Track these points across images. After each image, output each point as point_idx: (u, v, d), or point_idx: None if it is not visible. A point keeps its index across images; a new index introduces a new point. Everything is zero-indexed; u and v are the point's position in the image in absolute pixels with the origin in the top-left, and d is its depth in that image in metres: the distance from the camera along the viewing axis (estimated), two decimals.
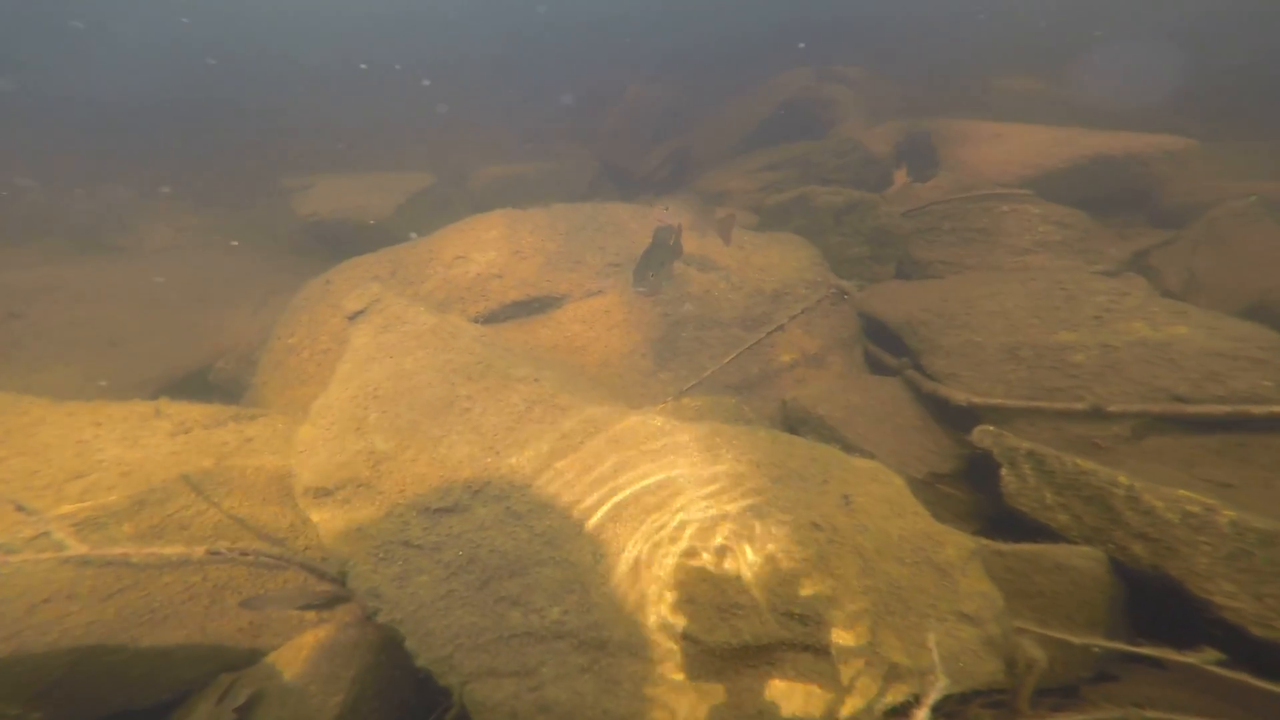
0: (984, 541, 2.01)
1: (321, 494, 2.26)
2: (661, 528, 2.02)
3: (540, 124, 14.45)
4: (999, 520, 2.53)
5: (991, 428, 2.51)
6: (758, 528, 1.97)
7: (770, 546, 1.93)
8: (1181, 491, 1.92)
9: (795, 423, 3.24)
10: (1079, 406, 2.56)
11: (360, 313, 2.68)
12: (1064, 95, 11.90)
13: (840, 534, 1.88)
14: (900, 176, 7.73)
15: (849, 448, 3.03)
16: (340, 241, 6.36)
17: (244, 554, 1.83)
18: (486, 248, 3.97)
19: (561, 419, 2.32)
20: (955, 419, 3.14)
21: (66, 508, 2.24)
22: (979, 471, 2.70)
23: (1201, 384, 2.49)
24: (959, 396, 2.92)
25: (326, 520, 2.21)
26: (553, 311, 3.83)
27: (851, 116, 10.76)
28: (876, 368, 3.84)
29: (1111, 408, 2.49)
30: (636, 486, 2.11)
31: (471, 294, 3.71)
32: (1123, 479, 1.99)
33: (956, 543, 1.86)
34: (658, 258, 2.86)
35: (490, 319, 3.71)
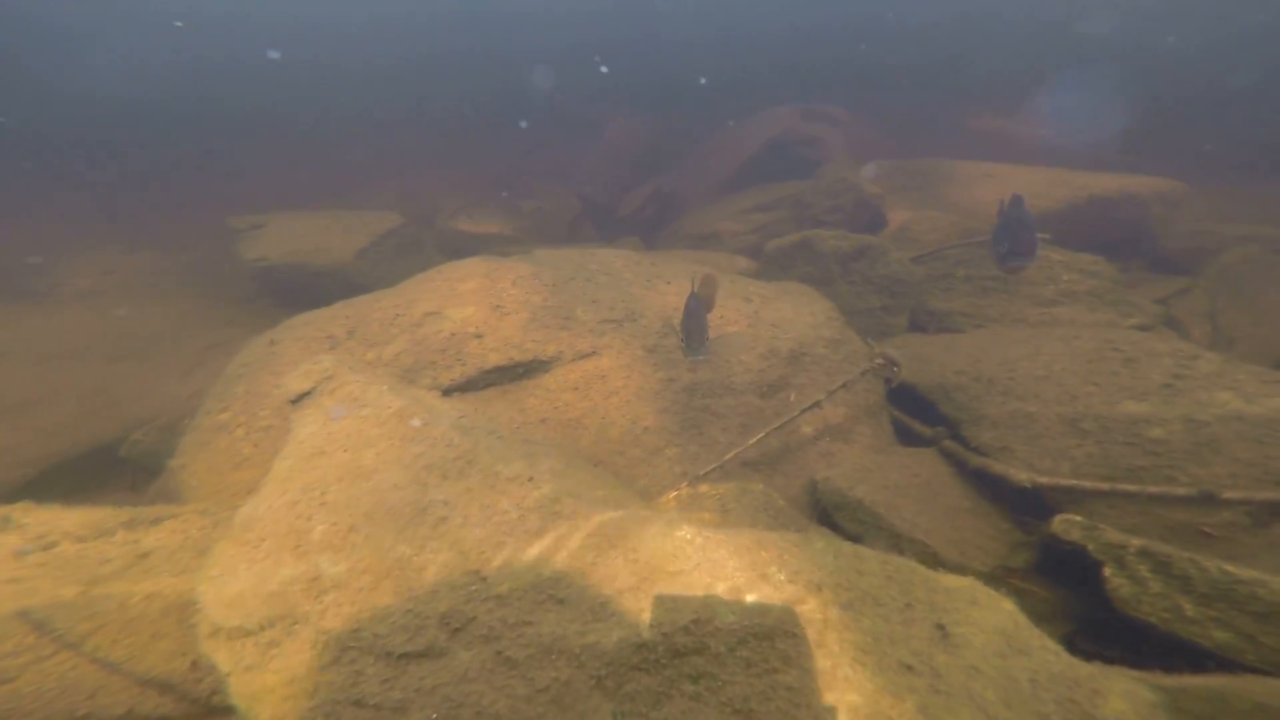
0: (1139, 675, 1.66)
1: (238, 635, 1.80)
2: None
3: (517, 163, 14.53)
4: (1096, 623, 2.23)
5: (1078, 518, 2.24)
6: (830, 673, 1.61)
7: (850, 697, 1.57)
8: None
9: (831, 508, 2.92)
10: (1181, 492, 2.32)
11: (306, 394, 2.28)
12: (1038, 136, 12.63)
13: (945, 679, 1.54)
14: (896, 217, 7.79)
15: (897, 538, 2.72)
16: (294, 290, 5.94)
17: None
18: (463, 302, 3.63)
19: (564, 530, 1.94)
20: (1010, 498, 2.88)
21: None
22: (1056, 562, 2.42)
23: None
24: (1020, 476, 2.66)
25: (241, 671, 1.74)
26: (540, 377, 3.48)
27: (837, 156, 11.07)
28: (905, 437, 3.59)
29: (1227, 494, 2.26)
30: (666, 625, 1.73)
31: (445, 357, 3.35)
32: None
33: (1124, 690, 1.51)
34: (703, 319, 2.58)
35: (468, 386, 3.34)
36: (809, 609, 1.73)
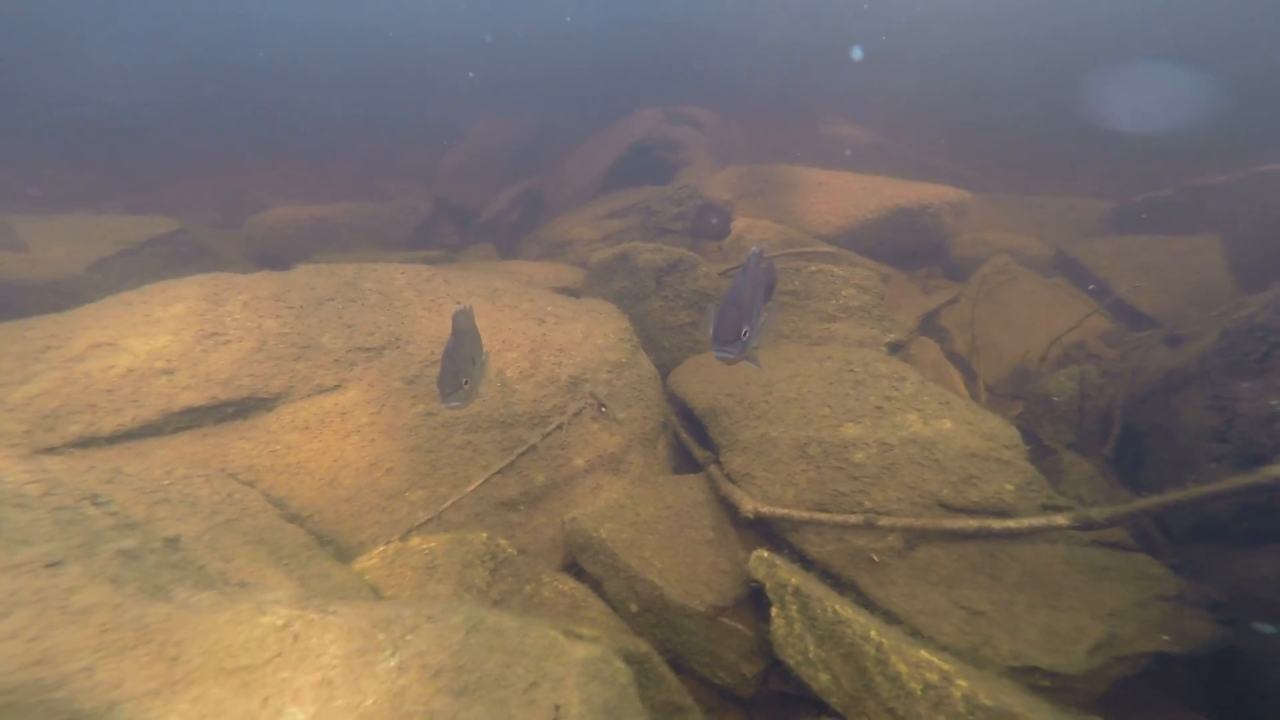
0: None
1: None
2: None
3: (381, 162, 13.47)
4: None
5: (766, 553, 2.24)
6: None
7: None
8: (923, 653, 1.73)
9: (576, 550, 2.76)
10: (853, 520, 2.42)
11: None
12: (879, 141, 13.91)
13: None
14: (738, 225, 8.05)
15: (632, 579, 2.61)
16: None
17: None
18: (157, 330, 3.04)
19: (59, 627, 1.55)
20: (753, 525, 2.91)
21: None
22: (764, 598, 2.43)
23: (961, 488, 2.50)
24: (746, 506, 2.67)
25: None
26: (260, 416, 3.01)
27: (699, 160, 11.35)
28: (687, 461, 3.57)
29: (882, 521, 2.38)
30: None
31: (113, 399, 2.76)
32: (874, 633, 1.77)
33: None
34: (469, 353, 2.16)
35: (146, 432, 2.77)
36: (412, 698, 1.51)
